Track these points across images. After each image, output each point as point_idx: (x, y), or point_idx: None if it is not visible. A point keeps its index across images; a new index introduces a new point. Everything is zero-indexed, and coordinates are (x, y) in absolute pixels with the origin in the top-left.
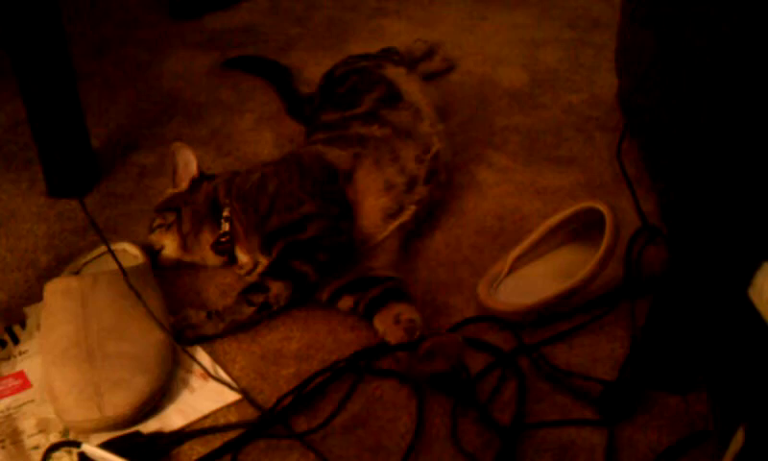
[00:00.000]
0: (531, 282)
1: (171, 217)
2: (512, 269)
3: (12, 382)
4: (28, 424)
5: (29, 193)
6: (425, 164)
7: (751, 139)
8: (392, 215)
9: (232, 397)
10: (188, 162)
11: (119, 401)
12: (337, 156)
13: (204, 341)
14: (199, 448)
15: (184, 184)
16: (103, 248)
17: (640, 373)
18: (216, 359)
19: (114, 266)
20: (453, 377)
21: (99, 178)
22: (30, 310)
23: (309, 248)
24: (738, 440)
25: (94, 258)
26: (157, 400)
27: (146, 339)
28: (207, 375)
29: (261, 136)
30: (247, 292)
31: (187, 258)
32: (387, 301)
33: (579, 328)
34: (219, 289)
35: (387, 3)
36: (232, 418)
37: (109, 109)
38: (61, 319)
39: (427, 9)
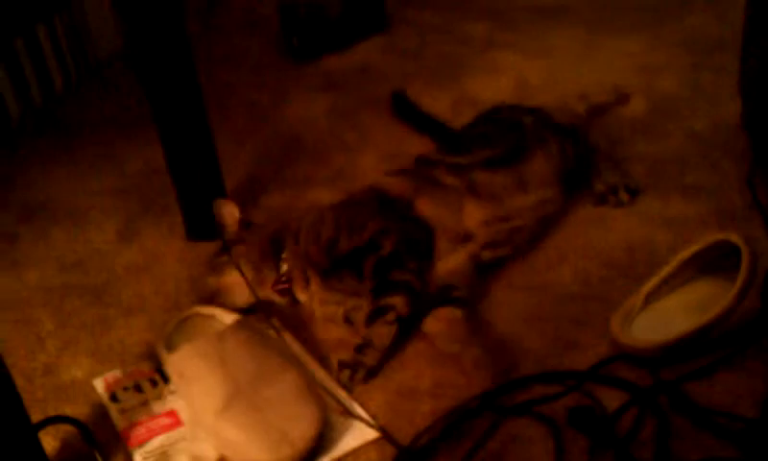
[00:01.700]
0: (666, 318)
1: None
2: (645, 304)
3: (164, 420)
4: (182, 460)
5: (170, 237)
6: (491, 230)
7: None
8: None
9: (372, 434)
10: (233, 213)
11: (303, 434)
12: (395, 184)
13: (373, 375)
14: None
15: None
16: (184, 314)
17: None
18: (353, 397)
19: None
20: (590, 415)
21: None
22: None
23: (395, 260)
24: None
25: (180, 322)
26: (325, 429)
27: (290, 379)
28: (347, 412)
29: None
30: (375, 317)
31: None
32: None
33: (717, 365)
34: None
35: (499, 35)
36: (373, 455)
37: (239, 154)
38: (209, 380)
39: (540, 39)
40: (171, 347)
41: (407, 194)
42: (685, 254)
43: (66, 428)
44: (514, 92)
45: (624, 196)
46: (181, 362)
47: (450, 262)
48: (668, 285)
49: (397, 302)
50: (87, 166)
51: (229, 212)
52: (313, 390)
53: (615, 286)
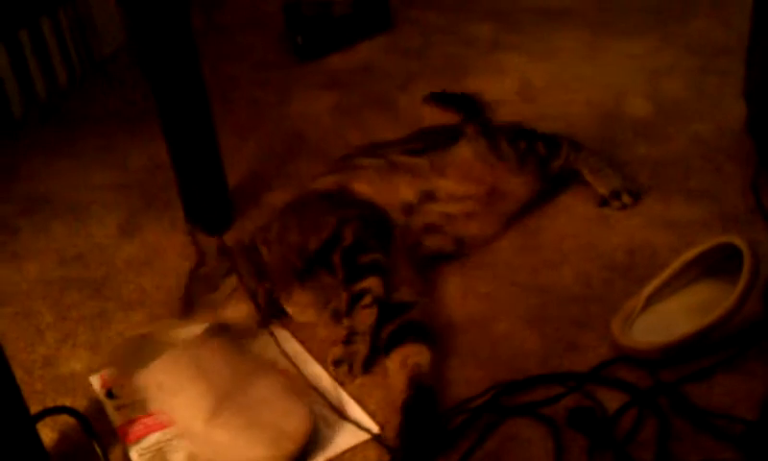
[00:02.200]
0: (666, 320)
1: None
2: (646, 305)
3: (160, 417)
4: (177, 458)
5: (171, 232)
6: (425, 209)
7: None
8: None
9: (368, 434)
10: (209, 241)
11: (299, 428)
12: (325, 179)
13: (371, 364)
14: None
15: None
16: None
17: None
18: (351, 393)
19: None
20: (590, 416)
21: (234, 217)
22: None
23: (359, 246)
24: None
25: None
26: (320, 425)
27: (270, 379)
28: (339, 414)
29: None
30: (353, 304)
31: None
32: (404, 338)
33: (717, 366)
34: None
35: (504, 37)
36: (371, 453)
37: (241, 150)
38: (191, 389)
39: (545, 41)
40: (126, 366)
41: (342, 184)
42: (688, 256)
43: (65, 420)
44: (518, 94)
45: (627, 199)
46: (158, 375)
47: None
48: (670, 287)
49: (371, 283)
50: (90, 160)
51: (205, 240)
52: (295, 388)
53: (616, 288)
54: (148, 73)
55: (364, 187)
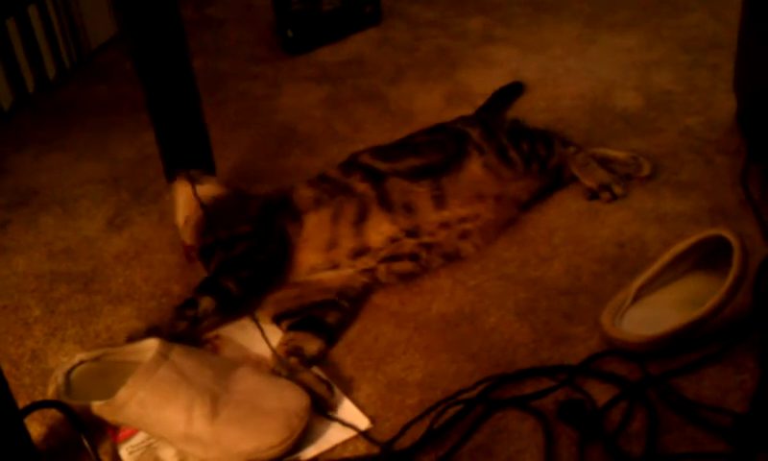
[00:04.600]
0: (656, 312)
1: None
2: (636, 298)
3: None
4: (168, 454)
5: (160, 225)
6: (395, 246)
7: None
8: (319, 270)
9: (362, 426)
10: (189, 199)
11: (301, 405)
12: (302, 196)
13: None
14: None
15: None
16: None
17: None
18: (342, 387)
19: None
20: (580, 408)
21: None
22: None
23: (235, 264)
24: None
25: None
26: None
27: (250, 371)
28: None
29: None
30: (181, 308)
31: None
32: (303, 327)
33: (707, 359)
34: None
35: (494, 30)
36: (361, 446)
37: (231, 143)
38: (180, 397)
39: (536, 34)
40: (71, 392)
41: (305, 207)
42: (677, 249)
43: (53, 414)
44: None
45: (618, 189)
46: (138, 392)
47: (334, 275)
48: (659, 280)
49: (204, 303)
50: (79, 153)
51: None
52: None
53: (606, 281)
54: (138, 65)
55: (313, 223)
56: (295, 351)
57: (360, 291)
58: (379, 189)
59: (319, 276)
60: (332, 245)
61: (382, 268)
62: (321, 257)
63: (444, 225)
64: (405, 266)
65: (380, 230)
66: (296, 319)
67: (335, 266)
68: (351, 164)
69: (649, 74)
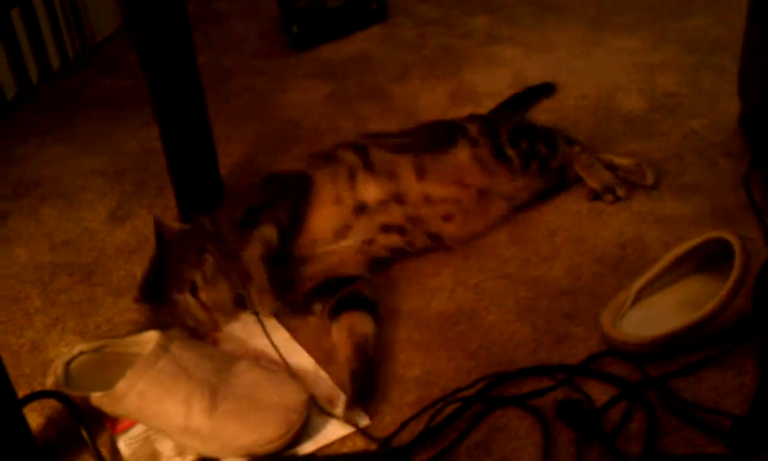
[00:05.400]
0: (656, 314)
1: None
2: (636, 299)
3: None
4: (166, 447)
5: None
6: (385, 212)
7: None
8: (335, 228)
9: (361, 422)
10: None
11: (298, 399)
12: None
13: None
14: None
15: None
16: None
17: None
18: (341, 385)
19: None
20: (579, 408)
21: None
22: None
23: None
24: None
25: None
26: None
27: (248, 364)
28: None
29: None
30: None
31: None
32: (349, 307)
33: (707, 361)
34: None
35: (499, 29)
36: (360, 442)
37: (234, 138)
38: (180, 390)
39: (541, 34)
40: (70, 383)
41: (301, 168)
42: (678, 250)
43: (52, 405)
44: (512, 86)
45: (621, 191)
46: (137, 384)
47: (347, 246)
48: (660, 282)
49: (266, 231)
50: (82, 145)
51: (169, 229)
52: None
53: (607, 281)
54: (142, 59)
55: (319, 177)
56: (361, 341)
57: (372, 265)
58: (364, 158)
59: (333, 247)
60: (338, 199)
61: (381, 239)
62: (331, 210)
63: (427, 199)
64: (395, 240)
65: (369, 190)
66: (337, 296)
67: (347, 226)
68: (340, 144)
69: (653, 76)
